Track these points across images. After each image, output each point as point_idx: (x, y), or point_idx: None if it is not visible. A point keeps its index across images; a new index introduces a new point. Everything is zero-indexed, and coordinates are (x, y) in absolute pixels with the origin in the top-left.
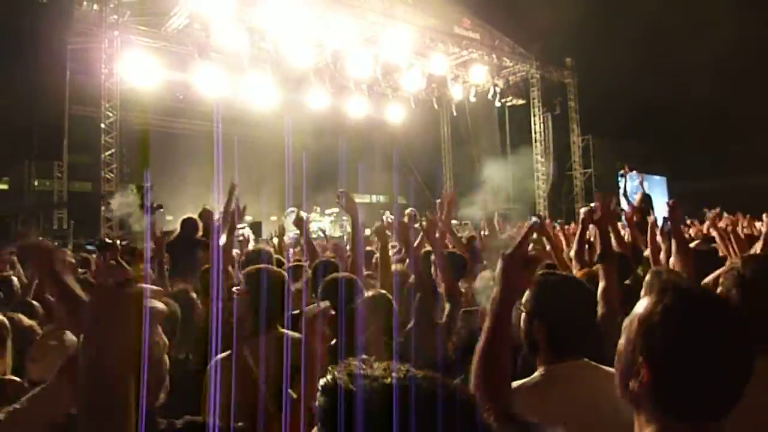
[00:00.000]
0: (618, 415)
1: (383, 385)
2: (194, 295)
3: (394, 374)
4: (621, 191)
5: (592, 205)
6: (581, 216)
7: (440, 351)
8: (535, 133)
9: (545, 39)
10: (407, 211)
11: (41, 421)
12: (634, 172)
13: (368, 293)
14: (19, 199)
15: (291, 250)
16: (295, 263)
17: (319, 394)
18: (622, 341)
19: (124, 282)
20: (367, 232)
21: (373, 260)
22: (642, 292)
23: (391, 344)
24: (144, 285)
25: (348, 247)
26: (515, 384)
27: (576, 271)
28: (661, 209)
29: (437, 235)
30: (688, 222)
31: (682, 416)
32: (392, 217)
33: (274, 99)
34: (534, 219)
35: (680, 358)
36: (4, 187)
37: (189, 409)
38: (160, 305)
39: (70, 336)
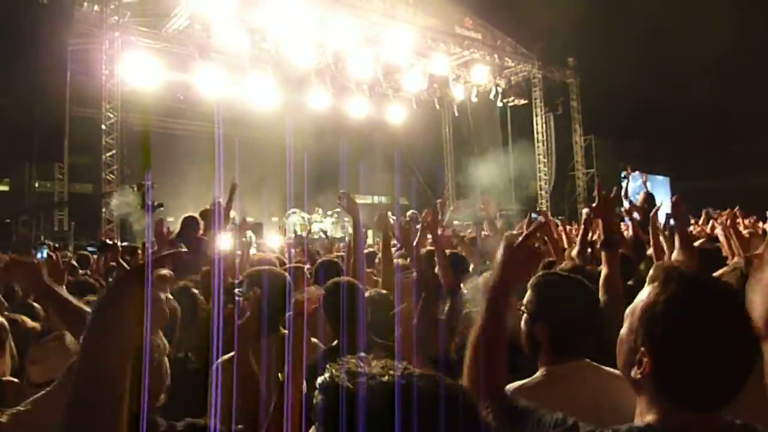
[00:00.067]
0: (619, 416)
1: (380, 383)
2: (196, 291)
3: (391, 372)
4: (622, 192)
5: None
6: (584, 216)
7: (442, 349)
8: (537, 133)
9: (547, 39)
10: (408, 213)
11: (45, 424)
12: (637, 172)
13: (368, 293)
14: (20, 200)
15: (292, 251)
16: (296, 264)
17: (316, 392)
18: (624, 329)
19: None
20: (369, 233)
21: (376, 261)
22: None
23: (391, 346)
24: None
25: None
26: (516, 385)
27: None
28: (664, 209)
29: (438, 234)
30: (692, 221)
31: (684, 405)
32: (393, 217)
33: (275, 99)
34: (536, 217)
35: (683, 348)
36: (5, 188)
37: (188, 408)
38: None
39: (70, 338)
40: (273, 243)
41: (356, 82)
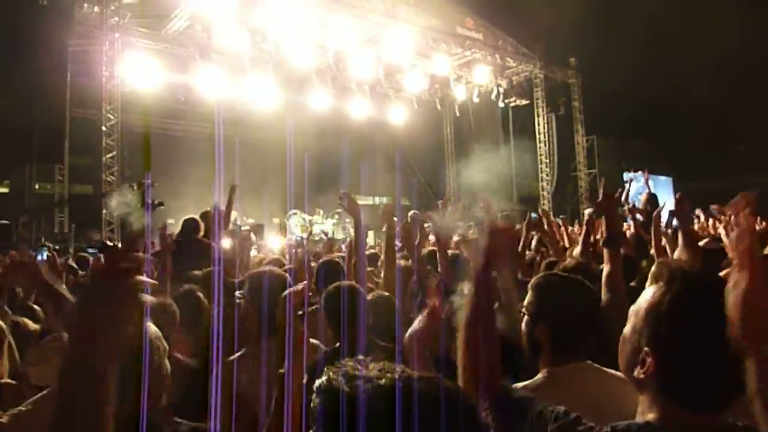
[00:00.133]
0: (621, 419)
1: (378, 387)
2: (200, 295)
3: (389, 375)
4: (623, 196)
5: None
6: (586, 217)
7: (443, 349)
8: (539, 133)
9: (549, 39)
10: (410, 213)
11: (45, 424)
12: (640, 172)
13: (371, 295)
14: (20, 202)
15: (294, 252)
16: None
17: (314, 395)
18: (627, 329)
19: (122, 272)
20: (370, 234)
21: (379, 263)
22: (647, 284)
23: (392, 348)
24: (142, 278)
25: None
26: (517, 386)
27: None
28: (667, 209)
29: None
30: (696, 222)
31: (686, 405)
32: (395, 219)
33: (276, 100)
34: (536, 218)
35: (687, 348)
36: (5, 190)
37: (188, 411)
38: (150, 299)
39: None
40: (274, 244)
41: (357, 83)
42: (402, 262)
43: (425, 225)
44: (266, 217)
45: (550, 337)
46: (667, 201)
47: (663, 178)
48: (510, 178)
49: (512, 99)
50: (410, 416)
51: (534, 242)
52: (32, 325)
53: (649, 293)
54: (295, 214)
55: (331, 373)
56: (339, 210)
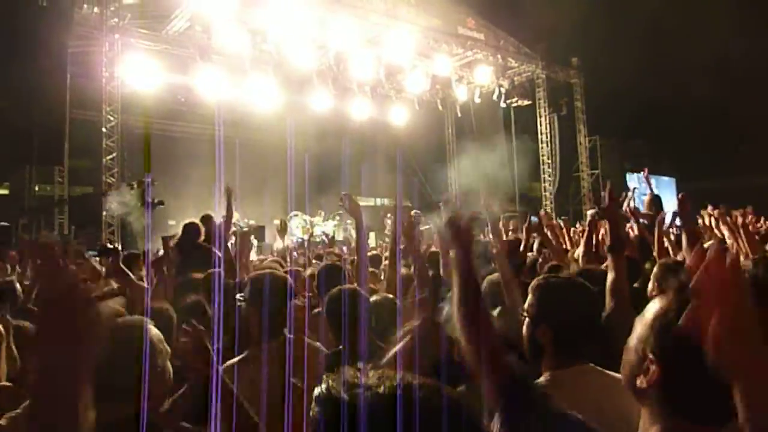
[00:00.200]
0: (624, 422)
1: (377, 395)
2: (208, 308)
3: (387, 383)
4: (626, 203)
5: (601, 206)
6: (589, 218)
7: (444, 352)
8: (541, 134)
9: (550, 39)
10: (412, 213)
11: None
12: (642, 172)
13: (374, 297)
14: (20, 204)
15: (294, 253)
16: (296, 268)
17: (313, 404)
18: (632, 338)
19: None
20: (371, 235)
21: (382, 266)
22: (649, 285)
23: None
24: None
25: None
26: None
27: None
28: (670, 210)
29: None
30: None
31: (687, 416)
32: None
33: (277, 101)
34: (536, 220)
35: (692, 359)
36: (5, 192)
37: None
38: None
39: None
40: (274, 245)
41: (358, 84)
42: (403, 270)
43: (424, 227)
44: (267, 219)
45: (552, 339)
46: (671, 202)
47: (666, 178)
48: (512, 179)
49: (514, 99)
50: (411, 425)
51: (536, 244)
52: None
53: (656, 303)
54: (296, 215)
55: (330, 382)
56: (340, 211)
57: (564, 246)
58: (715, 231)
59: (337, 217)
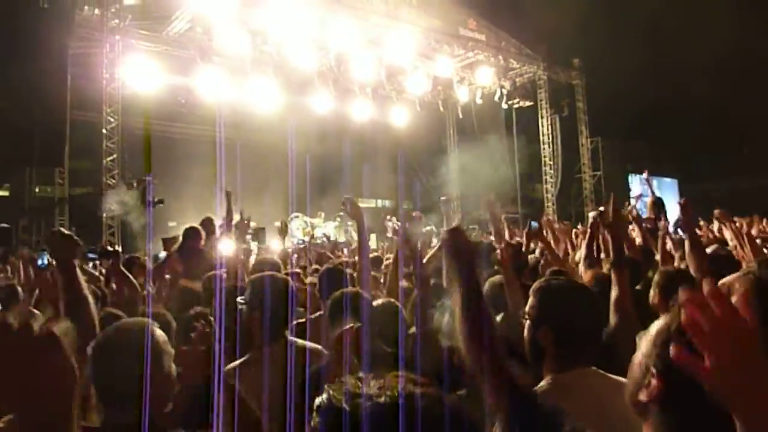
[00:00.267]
0: (627, 426)
1: (378, 404)
2: (212, 319)
3: (389, 393)
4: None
5: (602, 209)
6: (590, 220)
7: (446, 355)
8: (543, 135)
9: (552, 40)
10: (414, 213)
11: None
12: (642, 174)
13: (378, 301)
14: (20, 205)
15: (295, 256)
16: (297, 270)
17: (314, 413)
18: (638, 353)
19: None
20: (372, 237)
21: (382, 267)
22: (651, 293)
23: (396, 353)
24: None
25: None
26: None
27: (585, 275)
28: (673, 212)
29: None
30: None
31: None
32: (398, 223)
33: (278, 102)
34: (536, 225)
35: (693, 375)
36: (5, 193)
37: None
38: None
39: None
40: (275, 247)
41: (359, 85)
42: (404, 283)
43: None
44: (267, 221)
45: (553, 341)
46: (673, 204)
47: (668, 180)
48: (513, 181)
49: (515, 100)
50: None
51: (538, 250)
52: None
53: (661, 318)
54: (297, 217)
55: (332, 391)
56: (341, 213)
57: (566, 250)
58: (724, 233)
59: (338, 219)
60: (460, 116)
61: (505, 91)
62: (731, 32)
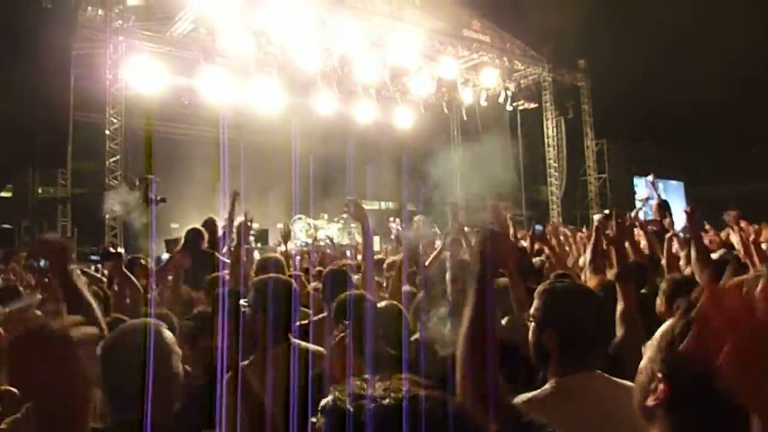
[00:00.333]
0: (633, 430)
1: (383, 407)
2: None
3: (393, 395)
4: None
5: (606, 211)
6: (595, 224)
7: (449, 359)
8: (548, 137)
9: (557, 41)
10: (416, 218)
11: None
12: (648, 177)
13: (383, 303)
14: (23, 206)
15: (298, 258)
16: (299, 273)
17: (319, 415)
18: (644, 359)
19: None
20: (376, 239)
21: (383, 266)
22: (657, 300)
23: (400, 355)
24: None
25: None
26: (525, 397)
27: (590, 280)
28: (679, 215)
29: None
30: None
31: None
32: (402, 225)
33: (281, 104)
34: (540, 228)
35: (700, 378)
36: (8, 194)
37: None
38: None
39: None
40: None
41: (363, 86)
42: (407, 287)
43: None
44: (270, 222)
45: (558, 343)
46: (679, 207)
47: (674, 182)
48: (518, 183)
49: (520, 102)
50: None
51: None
52: None
53: (667, 323)
54: (300, 218)
55: (336, 393)
56: (344, 214)
57: (571, 254)
58: (731, 238)
59: (341, 221)
60: (465, 118)
61: (509, 93)
62: (738, 33)
